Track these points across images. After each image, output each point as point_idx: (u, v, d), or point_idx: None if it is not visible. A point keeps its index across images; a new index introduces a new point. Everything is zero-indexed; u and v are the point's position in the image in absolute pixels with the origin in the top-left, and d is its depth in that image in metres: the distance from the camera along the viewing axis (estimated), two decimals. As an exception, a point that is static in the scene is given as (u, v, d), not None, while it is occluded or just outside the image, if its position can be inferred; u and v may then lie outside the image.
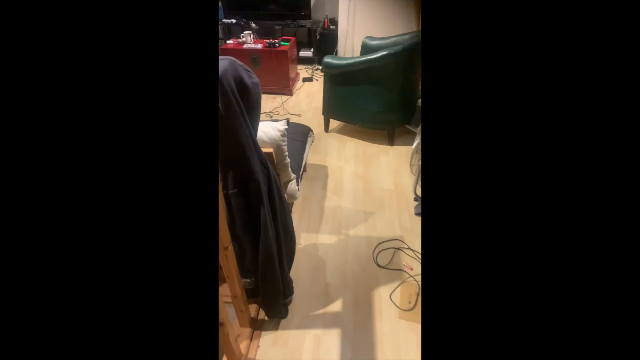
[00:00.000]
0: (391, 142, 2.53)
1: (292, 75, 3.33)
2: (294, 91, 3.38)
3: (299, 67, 3.93)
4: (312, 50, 3.91)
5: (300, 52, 3.92)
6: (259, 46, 3.11)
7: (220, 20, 4.05)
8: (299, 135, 1.89)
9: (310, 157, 2.41)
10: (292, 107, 3.09)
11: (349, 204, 2.00)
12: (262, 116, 3.02)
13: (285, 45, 3.14)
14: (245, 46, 3.13)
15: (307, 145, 1.98)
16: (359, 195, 2.06)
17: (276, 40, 3.08)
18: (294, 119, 2.87)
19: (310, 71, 3.82)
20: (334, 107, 2.51)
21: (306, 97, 3.29)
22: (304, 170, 2.24)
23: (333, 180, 2.20)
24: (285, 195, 1.57)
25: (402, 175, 2.23)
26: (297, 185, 1.59)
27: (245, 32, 3.19)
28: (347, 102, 2.41)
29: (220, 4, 3.95)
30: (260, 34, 3.30)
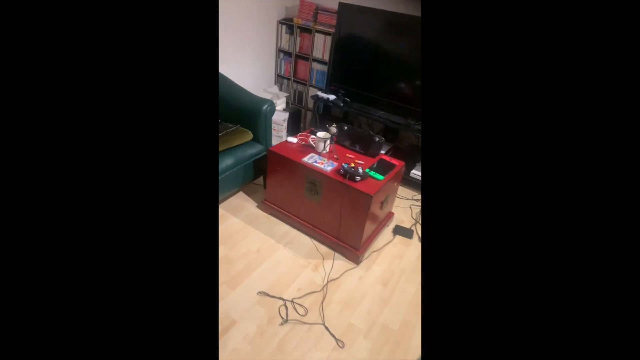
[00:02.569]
0: None
1: (378, 217, 1.78)
2: (364, 257, 1.80)
3: (404, 193, 2.35)
4: (433, 175, 2.30)
5: (413, 171, 2.35)
6: (329, 167, 1.68)
7: (321, 91, 2.86)
8: None
9: None
10: (338, 304, 1.51)
11: None
12: (254, 307, 1.46)
13: (377, 179, 1.63)
14: (305, 159, 1.73)
15: None
16: None
17: (360, 170, 1.60)
18: None
19: (416, 214, 2.20)
20: None
21: (381, 282, 1.66)
22: None
23: None
24: None
25: None
26: None
27: (322, 133, 1.80)
28: None
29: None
30: (349, 138, 1.87)
